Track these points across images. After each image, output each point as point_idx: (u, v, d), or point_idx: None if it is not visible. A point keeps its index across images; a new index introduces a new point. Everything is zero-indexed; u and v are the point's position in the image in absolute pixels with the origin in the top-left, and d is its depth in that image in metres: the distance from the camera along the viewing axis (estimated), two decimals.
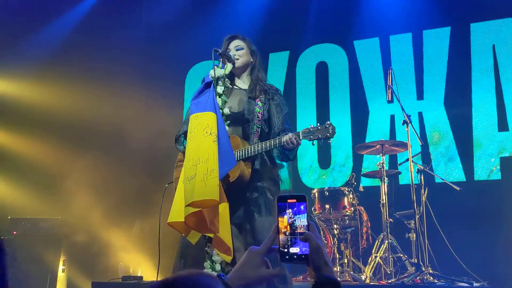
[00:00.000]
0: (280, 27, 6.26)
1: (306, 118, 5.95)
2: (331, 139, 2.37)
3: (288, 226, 1.08)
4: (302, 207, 1.08)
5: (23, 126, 6.30)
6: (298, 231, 1.07)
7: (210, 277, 0.90)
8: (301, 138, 2.42)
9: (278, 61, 6.32)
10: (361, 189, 4.70)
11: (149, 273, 5.52)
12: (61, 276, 5.44)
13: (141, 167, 6.22)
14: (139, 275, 5.27)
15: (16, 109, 6.29)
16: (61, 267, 5.41)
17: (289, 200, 1.10)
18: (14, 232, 5.40)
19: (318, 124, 2.41)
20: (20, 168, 6.13)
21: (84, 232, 5.71)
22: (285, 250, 1.08)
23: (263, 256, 1.10)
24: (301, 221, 1.08)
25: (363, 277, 4.17)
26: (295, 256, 1.07)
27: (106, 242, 5.75)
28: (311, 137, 2.40)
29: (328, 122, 2.39)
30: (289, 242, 1.08)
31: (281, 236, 1.08)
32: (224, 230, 2.30)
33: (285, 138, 2.41)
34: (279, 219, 1.09)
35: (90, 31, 6.53)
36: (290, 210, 1.09)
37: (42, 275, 5.17)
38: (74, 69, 6.39)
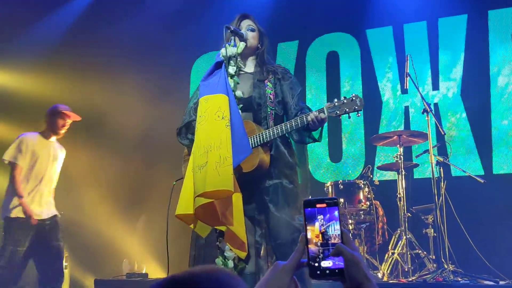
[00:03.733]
0: (289, 16, 6.05)
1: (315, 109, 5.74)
2: (360, 112, 2.17)
3: (321, 236, 0.90)
4: (335, 212, 0.91)
5: (24, 119, 6.14)
6: (332, 241, 0.90)
7: (230, 275, 0.72)
8: (326, 114, 2.21)
9: (287, 51, 6.11)
10: (376, 182, 4.49)
11: (154, 270, 5.35)
12: (64, 272, 5.28)
13: (146, 161, 6.06)
14: (144, 272, 5.10)
15: (18, 102, 6.15)
16: (63, 263, 5.26)
17: (318, 205, 0.91)
18: None
19: (344, 98, 2.20)
20: None
21: (87, 227, 5.55)
22: (316, 264, 0.89)
23: (292, 273, 0.90)
24: (335, 229, 0.90)
25: (379, 275, 3.97)
26: (327, 271, 0.88)
27: (110, 237, 5.59)
28: (337, 112, 2.19)
29: (354, 94, 2.19)
30: (321, 255, 0.89)
31: (311, 248, 0.90)
32: (237, 223, 2.10)
33: (310, 116, 2.20)
34: (308, 227, 0.91)
35: (93, 21, 6.38)
36: (321, 216, 0.91)
37: None
38: (77, 60, 6.25)
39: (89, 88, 6.23)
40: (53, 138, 4.35)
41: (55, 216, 4.30)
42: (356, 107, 2.17)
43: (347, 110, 2.18)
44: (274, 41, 5.80)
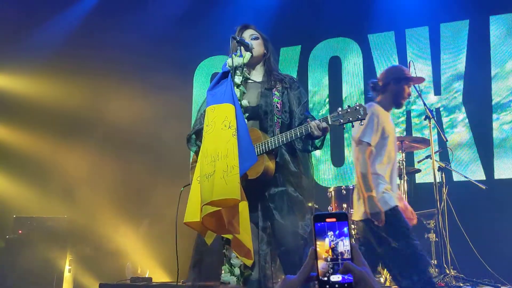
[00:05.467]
0: (292, 21, 6.10)
1: (318, 114, 5.78)
2: (364, 120, 2.21)
3: (330, 251, 0.92)
4: (345, 228, 0.93)
5: (29, 123, 6.19)
6: (341, 257, 0.92)
7: None
8: (330, 122, 2.25)
9: (289, 56, 6.15)
10: None
11: (157, 274, 5.37)
12: (67, 276, 5.32)
13: (149, 166, 6.09)
14: (147, 276, 5.13)
15: (22, 106, 6.18)
16: (67, 267, 5.29)
17: (327, 220, 0.94)
18: (20, 231, 5.29)
19: (347, 106, 2.24)
20: (25, 166, 6.02)
21: (90, 231, 5.58)
22: (325, 278, 0.91)
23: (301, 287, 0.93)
24: (345, 245, 0.92)
25: (382, 279, 4.00)
26: (336, 286, 0.91)
27: (113, 241, 5.61)
28: (341, 120, 2.23)
29: (358, 103, 2.24)
30: (331, 270, 0.92)
31: (321, 263, 0.92)
32: (244, 231, 2.13)
33: (312, 124, 2.24)
34: (318, 242, 0.93)
35: (96, 25, 6.42)
36: (331, 233, 0.93)
37: (48, 275, 5.05)
38: (80, 63, 6.28)
39: (92, 92, 6.27)
40: (390, 111, 3.24)
41: None
42: (360, 116, 2.21)
43: (351, 118, 2.22)
44: (277, 46, 5.83)
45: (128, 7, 6.57)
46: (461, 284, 3.62)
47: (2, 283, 5.10)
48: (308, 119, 2.32)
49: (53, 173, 5.98)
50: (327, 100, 5.91)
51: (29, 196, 5.79)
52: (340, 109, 2.26)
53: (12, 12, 6.21)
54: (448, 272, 3.67)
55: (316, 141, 2.36)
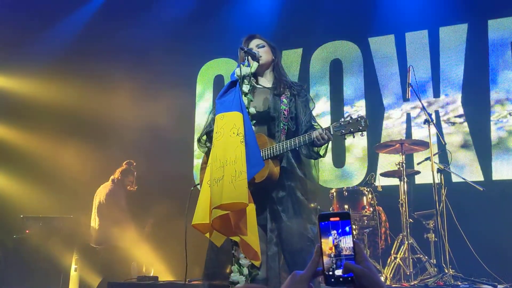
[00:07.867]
0: (293, 24, 6.19)
1: (319, 116, 5.89)
2: (364, 132, 2.31)
3: (333, 248, 1.01)
4: (347, 228, 1.02)
5: (37, 124, 6.28)
6: (344, 253, 1.01)
7: None
8: (332, 133, 2.35)
9: (291, 59, 6.24)
10: (379, 188, 4.62)
11: (162, 273, 5.47)
12: (74, 275, 5.41)
13: (154, 167, 6.18)
14: (152, 275, 5.23)
15: (30, 107, 6.27)
16: (73, 266, 5.38)
17: (331, 219, 1.03)
18: (27, 231, 5.38)
19: (349, 117, 2.34)
20: (33, 166, 6.11)
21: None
22: (330, 273, 1.01)
23: (309, 282, 1.03)
24: (347, 242, 1.01)
25: (382, 279, 4.10)
26: (341, 279, 1.00)
27: (118, 241, 5.70)
28: (343, 131, 2.33)
29: (360, 115, 2.33)
30: (334, 265, 1.01)
31: (325, 259, 1.02)
32: (251, 233, 2.23)
33: (315, 134, 2.34)
34: (323, 240, 1.02)
35: (100, 28, 6.50)
36: (334, 231, 1.02)
37: (54, 274, 5.14)
38: (84, 66, 6.38)
39: (96, 94, 6.35)
40: None
41: None
42: (361, 128, 2.30)
43: (352, 129, 2.31)
44: (279, 48, 5.91)
45: (132, 10, 6.66)
46: (459, 283, 3.72)
47: (9, 282, 5.19)
48: (313, 128, 2.42)
49: (60, 173, 6.08)
50: (328, 102, 6.01)
51: (36, 196, 5.89)
52: (342, 119, 2.36)
53: (16, 14, 6.30)
54: (446, 271, 3.77)
55: (320, 149, 2.46)
